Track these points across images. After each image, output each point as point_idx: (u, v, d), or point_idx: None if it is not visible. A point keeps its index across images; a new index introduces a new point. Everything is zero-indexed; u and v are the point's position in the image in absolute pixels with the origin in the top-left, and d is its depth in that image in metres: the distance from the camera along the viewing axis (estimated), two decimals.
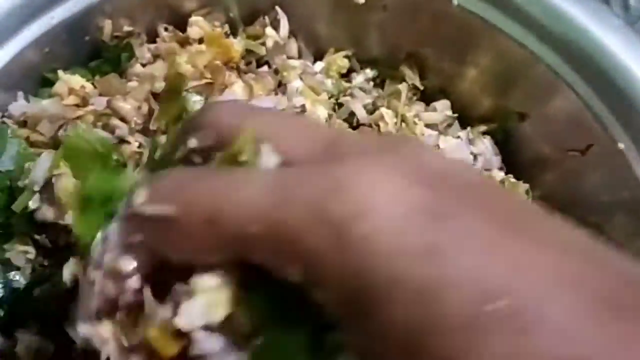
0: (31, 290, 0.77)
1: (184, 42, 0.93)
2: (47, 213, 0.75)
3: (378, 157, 0.36)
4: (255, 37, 0.99)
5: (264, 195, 0.34)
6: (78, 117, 0.82)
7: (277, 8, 0.97)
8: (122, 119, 0.82)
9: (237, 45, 0.91)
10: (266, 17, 0.97)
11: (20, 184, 0.79)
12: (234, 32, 0.98)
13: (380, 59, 1.05)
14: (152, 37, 0.93)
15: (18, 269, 0.80)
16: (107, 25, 0.89)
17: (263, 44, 0.98)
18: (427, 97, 1.04)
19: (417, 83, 1.03)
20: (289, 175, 0.36)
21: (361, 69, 1.04)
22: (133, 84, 0.86)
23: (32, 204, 0.78)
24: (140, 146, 0.81)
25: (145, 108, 0.82)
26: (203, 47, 0.88)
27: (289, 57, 0.99)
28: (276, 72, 0.96)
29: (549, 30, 0.91)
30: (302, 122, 0.47)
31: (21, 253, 0.80)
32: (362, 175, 0.33)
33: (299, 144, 0.38)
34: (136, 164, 0.79)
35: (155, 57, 0.92)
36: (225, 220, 0.35)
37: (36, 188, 0.78)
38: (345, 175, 0.33)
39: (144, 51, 0.90)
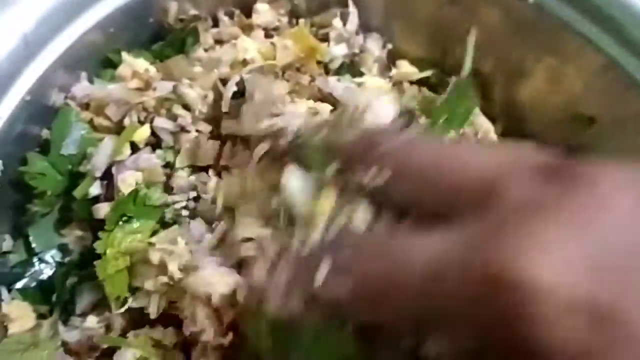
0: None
1: (248, 29, 0.91)
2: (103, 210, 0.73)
3: (556, 215, 0.34)
4: (320, 27, 0.96)
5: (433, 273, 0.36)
6: (140, 103, 0.79)
7: (349, 1, 0.94)
8: (186, 107, 0.79)
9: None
10: (336, 9, 0.93)
11: (82, 169, 0.77)
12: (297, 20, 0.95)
13: (439, 61, 1.03)
14: (215, 22, 0.90)
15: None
16: (173, 7, 0.86)
17: (327, 35, 0.95)
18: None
19: (478, 104, 1.01)
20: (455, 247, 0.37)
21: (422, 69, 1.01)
22: (198, 69, 0.83)
23: (93, 191, 0.76)
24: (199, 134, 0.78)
25: (211, 96, 0.79)
26: (288, 41, 0.84)
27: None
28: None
29: (629, 34, 0.88)
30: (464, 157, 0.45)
31: (79, 239, 0.77)
32: (534, 246, 0.33)
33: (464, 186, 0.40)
34: (189, 154, 0.77)
35: (217, 42, 0.89)
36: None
37: (97, 174, 0.76)
38: (517, 244, 0.33)
39: (208, 36, 0.86)
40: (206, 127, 0.79)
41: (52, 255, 0.77)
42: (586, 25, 0.90)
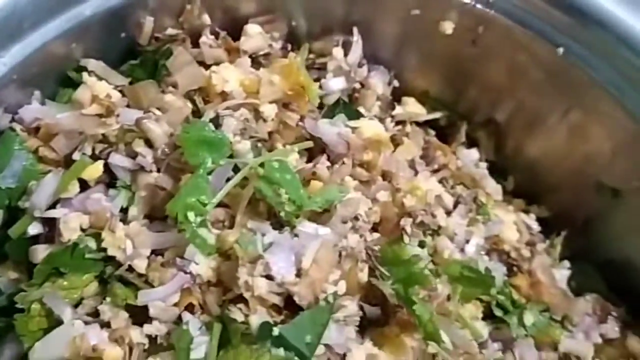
0: None
1: (234, 52, 0.80)
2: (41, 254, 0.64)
3: None
4: (319, 55, 0.85)
5: None
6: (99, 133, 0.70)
7: (355, 29, 0.83)
8: (149, 143, 0.69)
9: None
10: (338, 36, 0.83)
11: (20, 204, 0.68)
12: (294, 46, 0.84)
13: (451, 102, 0.92)
14: (195, 43, 0.79)
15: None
16: (148, 22, 0.75)
17: (324, 64, 0.84)
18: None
19: (491, 155, 0.92)
20: None
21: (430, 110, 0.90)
22: (169, 97, 0.73)
23: (32, 230, 0.67)
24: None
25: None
26: (275, 77, 0.74)
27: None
28: None
29: None
30: None
31: (12, 282, 0.69)
32: None
33: None
34: (145, 202, 0.68)
35: (199, 63, 0.79)
36: None
37: (37, 214, 0.66)
38: None
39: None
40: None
41: None
42: (621, 85, 0.79)
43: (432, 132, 0.91)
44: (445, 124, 0.93)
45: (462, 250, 0.75)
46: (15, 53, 0.68)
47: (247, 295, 0.59)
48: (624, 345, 0.78)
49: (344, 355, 0.59)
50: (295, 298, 0.59)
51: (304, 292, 0.60)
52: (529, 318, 0.72)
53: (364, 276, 0.63)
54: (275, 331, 0.57)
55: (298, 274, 0.61)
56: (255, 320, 0.58)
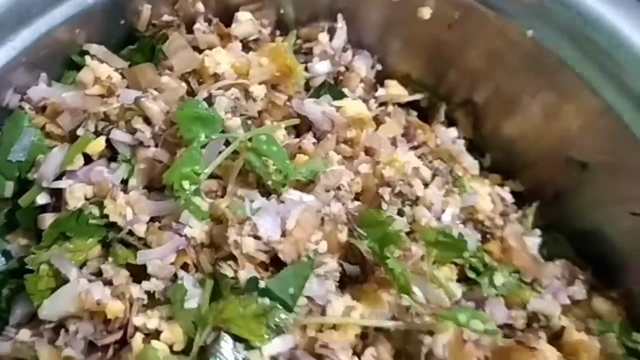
0: None
1: (225, 37, 0.86)
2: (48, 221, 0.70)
3: None
4: (306, 40, 0.91)
5: None
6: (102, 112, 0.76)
7: (339, 16, 0.89)
8: (147, 120, 0.75)
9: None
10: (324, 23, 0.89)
11: (30, 176, 0.74)
12: (283, 32, 0.90)
13: (432, 85, 0.98)
14: (189, 29, 0.85)
15: None
16: (146, 10, 0.82)
17: (310, 49, 0.90)
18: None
19: (469, 134, 0.97)
20: None
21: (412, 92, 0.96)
22: (166, 78, 0.79)
23: (40, 200, 0.74)
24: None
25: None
26: (264, 59, 0.80)
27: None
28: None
29: (630, 81, 0.81)
30: None
31: (22, 247, 0.75)
32: None
33: None
34: (144, 174, 0.74)
35: (194, 48, 0.85)
36: None
37: (45, 184, 0.73)
38: None
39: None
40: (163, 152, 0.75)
41: None
42: (587, 66, 0.84)
43: (414, 113, 0.97)
44: (426, 105, 0.99)
45: (438, 219, 0.81)
46: (23, 37, 0.74)
47: (236, 253, 0.65)
48: (590, 306, 0.83)
49: (324, 306, 0.65)
50: (280, 255, 0.65)
51: (288, 250, 0.66)
52: (499, 279, 0.78)
53: (343, 236, 0.69)
54: (262, 284, 0.63)
55: (283, 235, 0.67)
56: (243, 275, 0.64)
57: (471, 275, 0.78)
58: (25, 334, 0.70)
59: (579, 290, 0.84)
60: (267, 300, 0.62)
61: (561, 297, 0.83)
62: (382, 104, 0.95)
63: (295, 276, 0.64)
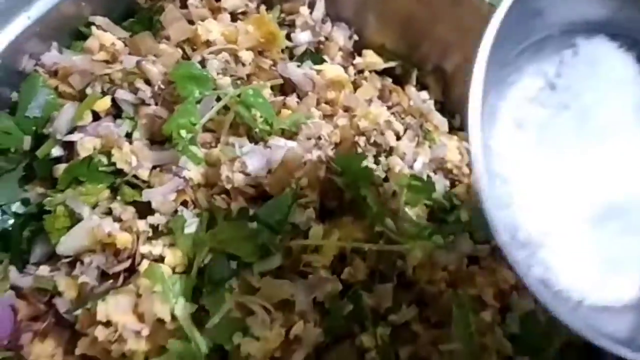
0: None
1: (217, 11, 0.96)
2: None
3: None
4: (289, 13, 1.01)
5: None
6: (106, 74, 0.85)
7: None
8: (148, 82, 0.85)
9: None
10: None
11: (45, 131, 0.83)
12: (269, 6, 0.99)
13: (405, 54, 1.07)
14: (183, 3, 0.95)
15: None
16: None
17: (293, 21, 1.00)
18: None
19: (440, 98, 1.06)
20: None
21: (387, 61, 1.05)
22: (163, 46, 0.89)
23: (55, 152, 0.83)
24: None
25: None
26: (250, 27, 0.89)
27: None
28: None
29: None
30: None
31: (40, 195, 0.84)
32: None
33: None
34: (146, 129, 0.83)
35: (188, 22, 0.94)
36: None
37: (59, 137, 0.82)
38: None
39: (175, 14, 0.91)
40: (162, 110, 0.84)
41: (15, 208, 0.84)
42: None
43: (389, 80, 1.07)
44: (400, 72, 1.08)
45: (411, 167, 0.90)
46: (38, 8, 0.84)
47: (228, 187, 0.75)
48: None
49: (306, 230, 0.75)
50: (266, 188, 0.75)
51: (273, 184, 0.75)
52: (464, 215, 0.87)
53: (322, 173, 0.78)
54: (251, 211, 0.73)
55: (269, 172, 0.77)
56: (235, 206, 0.74)
57: (439, 213, 0.88)
58: (44, 270, 0.79)
59: None
60: (256, 225, 0.71)
61: None
62: (360, 71, 1.04)
63: (280, 205, 0.73)
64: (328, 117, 0.92)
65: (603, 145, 0.59)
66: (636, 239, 0.58)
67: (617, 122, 0.60)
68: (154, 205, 0.76)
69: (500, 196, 0.56)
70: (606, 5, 0.62)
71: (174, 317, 0.70)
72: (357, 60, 1.04)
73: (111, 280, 0.76)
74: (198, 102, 0.82)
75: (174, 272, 0.73)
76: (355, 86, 0.99)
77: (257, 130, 0.81)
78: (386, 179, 0.86)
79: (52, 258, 0.81)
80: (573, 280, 0.57)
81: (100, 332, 0.72)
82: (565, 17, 0.63)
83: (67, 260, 0.78)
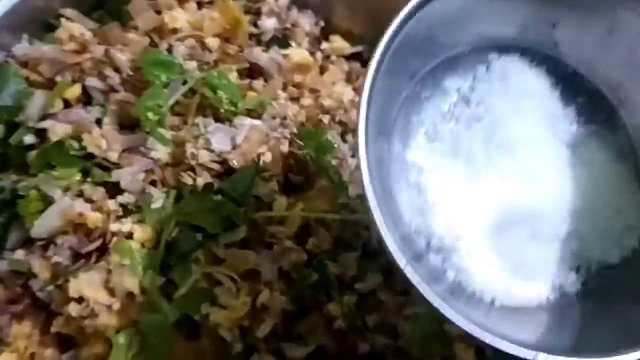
0: None
1: (182, 1, 0.98)
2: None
3: None
4: (256, 2, 1.04)
5: None
6: (76, 64, 0.88)
7: None
8: (116, 69, 0.88)
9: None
10: None
11: (17, 119, 0.85)
12: None
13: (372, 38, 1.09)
14: None
15: None
16: None
17: (259, 9, 1.02)
18: None
19: None
20: None
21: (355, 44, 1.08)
22: (131, 35, 0.91)
23: (27, 139, 0.85)
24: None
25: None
26: (215, 14, 0.92)
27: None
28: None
29: None
30: None
31: (14, 182, 0.86)
32: None
33: None
34: (116, 115, 0.85)
35: (156, 12, 0.97)
36: None
37: (31, 124, 0.84)
38: None
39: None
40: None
41: None
42: None
43: (357, 64, 1.09)
44: (367, 57, 1.11)
45: None
46: (4, 3, 0.87)
47: (193, 163, 0.77)
48: None
49: (270, 203, 0.77)
50: (230, 163, 0.78)
51: (237, 158, 0.78)
52: None
53: (285, 148, 0.81)
54: (215, 185, 0.75)
55: (233, 148, 0.79)
56: (200, 181, 0.77)
57: None
58: (20, 254, 0.81)
59: None
60: (220, 197, 0.74)
61: None
62: (327, 56, 1.07)
63: (243, 178, 0.76)
64: (294, 100, 0.95)
65: (512, 155, 0.63)
66: (543, 245, 0.62)
67: (528, 133, 0.65)
68: (123, 184, 0.79)
69: (417, 205, 0.60)
70: (511, 25, 0.67)
71: (143, 291, 0.73)
72: (324, 45, 1.07)
73: (83, 260, 0.78)
74: (165, 86, 0.85)
75: (142, 247, 0.75)
76: (323, 71, 1.02)
77: (222, 110, 0.84)
78: (353, 157, 0.88)
79: (27, 243, 0.83)
80: (484, 283, 0.61)
81: (73, 309, 0.74)
82: (472, 35, 0.67)
83: (41, 243, 0.80)
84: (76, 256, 0.79)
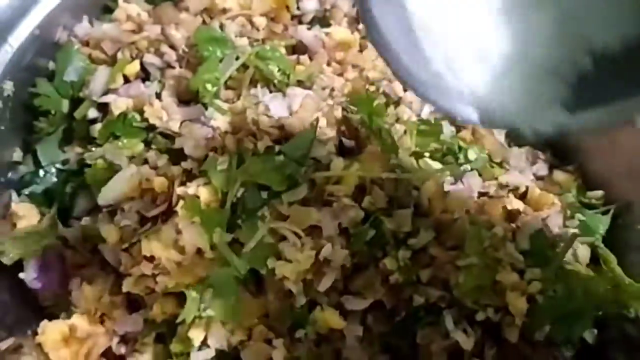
0: None
1: None
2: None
3: None
4: None
5: None
6: (133, 42, 0.93)
7: None
8: (172, 46, 0.92)
9: None
10: None
11: (81, 94, 0.90)
12: None
13: None
14: None
15: None
16: None
17: None
18: None
19: None
20: None
21: None
22: (183, 15, 0.96)
23: (91, 113, 0.90)
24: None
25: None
26: None
27: None
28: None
29: None
30: None
31: (79, 155, 0.91)
32: None
33: None
34: (173, 90, 0.90)
35: None
36: None
37: (94, 98, 0.89)
38: None
39: None
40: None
41: (56, 168, 0.91)
42: None
43: None
44: None
45: (418, 115, 0.97)
46: None
47: (253, 128, 0.82)
48: (551, 179, 0.99)
49: (328, 163, 0.81)
50: (288, 128, 0.82)
51: (295, 124, 0.82)
52: (472, 154, 0.93)
53: (338, 113, 0.85)
54: (276, 148, 0.79)
55: (290, 114, 0.84)
56: (261, 145, 0.81)
57: (448, 154, 0.94)
58: (87, 220, 0.86)
59: (541, 167, 1.00)
60: (282, 157, 0.78)
61: (527, 173, 0.98)
62: (364, 37, 1.11)
63: (302, 141, 0.80)
64: (338, 75, 0.99)
65: None
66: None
67: None
68: (186, 151, 0.83)
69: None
70: None
71: (212, 247, 0.77)
72: (361, 25, 1.12)
73: (150, 223, 0.82)
74: (219, 61, 0.89)
75: (209, 208, 0.79)
76: (361, 49, 1.06)
77: (275, 81, 0.88)
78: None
79: (93, 210, 0.88)
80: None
81: (146, 267, 0.79)
82: None
83: (108, 209, 0.85)
84: (143, 220, 0.83)
